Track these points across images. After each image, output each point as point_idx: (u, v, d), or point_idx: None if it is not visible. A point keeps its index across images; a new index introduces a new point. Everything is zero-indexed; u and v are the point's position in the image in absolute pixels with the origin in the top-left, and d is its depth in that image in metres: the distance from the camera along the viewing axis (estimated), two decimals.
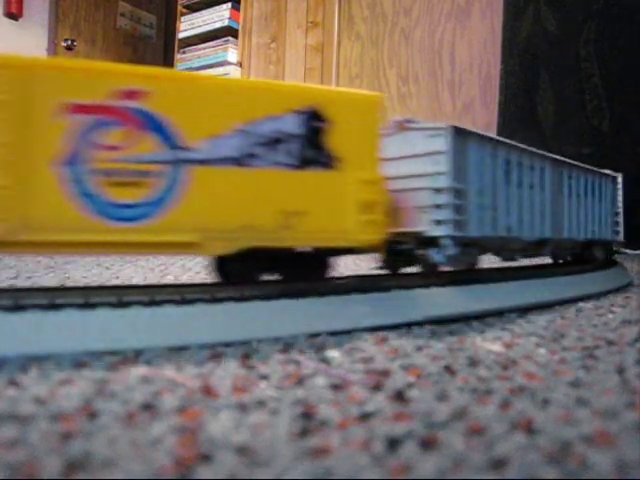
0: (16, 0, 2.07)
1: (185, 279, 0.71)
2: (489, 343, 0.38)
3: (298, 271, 0.44)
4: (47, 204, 0.34)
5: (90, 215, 0.35)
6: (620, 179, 0.80)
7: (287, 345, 0.35)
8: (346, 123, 0.41)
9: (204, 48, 2.25)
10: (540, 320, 0.46)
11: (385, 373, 0.30)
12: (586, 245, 0.71)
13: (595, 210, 0.71)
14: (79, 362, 0.30)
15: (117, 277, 0.71)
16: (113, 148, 0.35)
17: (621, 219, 0.79)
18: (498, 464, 0.19)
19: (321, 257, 0.45)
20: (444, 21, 1.83)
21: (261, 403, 0.25)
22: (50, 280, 0.66)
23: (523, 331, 0.42)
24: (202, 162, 0.37)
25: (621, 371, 0.31)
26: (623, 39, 1.26)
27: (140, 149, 0.36)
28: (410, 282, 0.47)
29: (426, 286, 0.46)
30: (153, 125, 0.36)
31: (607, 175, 0.75)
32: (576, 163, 0.66)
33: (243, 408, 0.24)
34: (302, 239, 0.41)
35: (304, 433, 0.22)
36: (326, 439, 0.21)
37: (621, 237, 0.80)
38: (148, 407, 0.24)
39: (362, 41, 2.01)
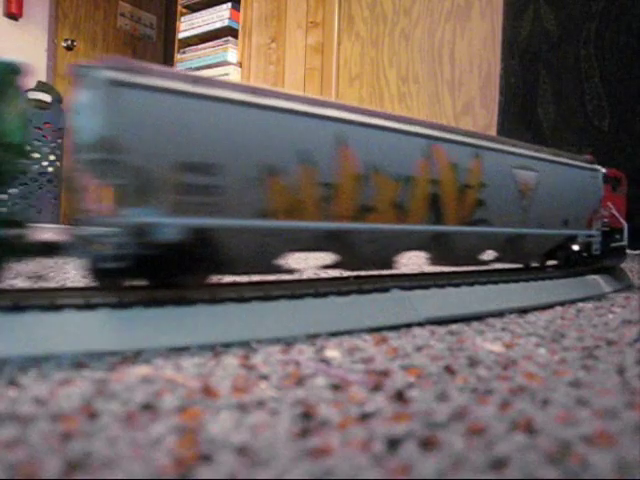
0: (16, 0, 2.06)
1: None
2: (489, 343, 0.38)
3: None
4: None
5: None
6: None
7: (287, 345, 0.35)
8: None
9: (204, 48, 2.24)
10: (540, 320, 0.46)
11: (385, 373, 0.30)
12: None
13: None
14: (79, 362, 0.30)
15: None
16: None
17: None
18: (498, 464, 0.19)
19: None
20: (444, 21, 1.83)
21: (261, 403, 0.25)
22: (50, 280, 0.66)
23: (523, 331, 0.42)
24: None
25: (621, 371, 0.31)
26: (623, 39, 1.26)
27: None
28: None
29: None
30: None
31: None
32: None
33: (243, 408, 0.24)
34: None
35: (304, 433, 0.22)
36: (326, 439, 0.21)
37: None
38: (148, 407, 0.24)
39: (362, 41, 2.01)
